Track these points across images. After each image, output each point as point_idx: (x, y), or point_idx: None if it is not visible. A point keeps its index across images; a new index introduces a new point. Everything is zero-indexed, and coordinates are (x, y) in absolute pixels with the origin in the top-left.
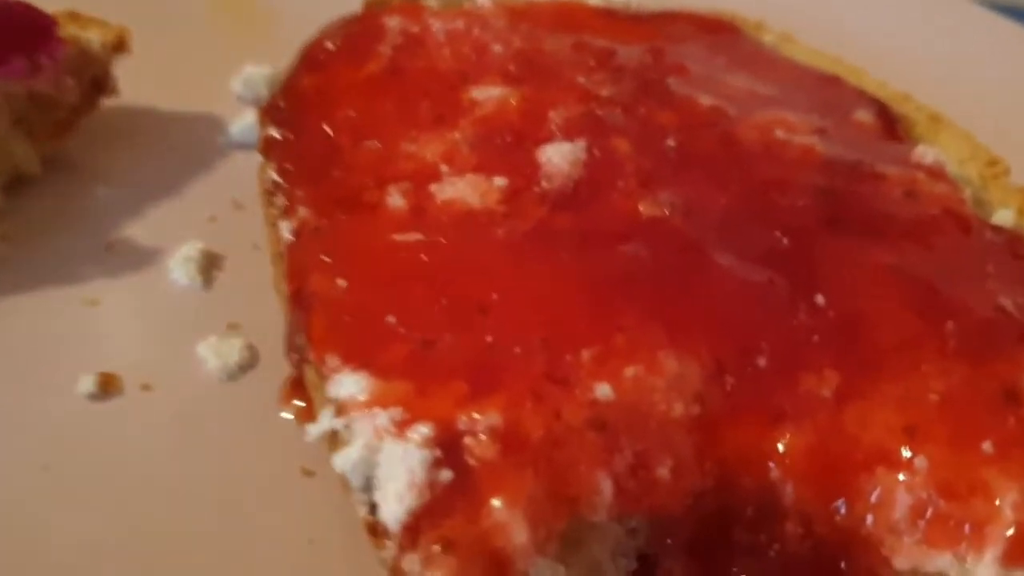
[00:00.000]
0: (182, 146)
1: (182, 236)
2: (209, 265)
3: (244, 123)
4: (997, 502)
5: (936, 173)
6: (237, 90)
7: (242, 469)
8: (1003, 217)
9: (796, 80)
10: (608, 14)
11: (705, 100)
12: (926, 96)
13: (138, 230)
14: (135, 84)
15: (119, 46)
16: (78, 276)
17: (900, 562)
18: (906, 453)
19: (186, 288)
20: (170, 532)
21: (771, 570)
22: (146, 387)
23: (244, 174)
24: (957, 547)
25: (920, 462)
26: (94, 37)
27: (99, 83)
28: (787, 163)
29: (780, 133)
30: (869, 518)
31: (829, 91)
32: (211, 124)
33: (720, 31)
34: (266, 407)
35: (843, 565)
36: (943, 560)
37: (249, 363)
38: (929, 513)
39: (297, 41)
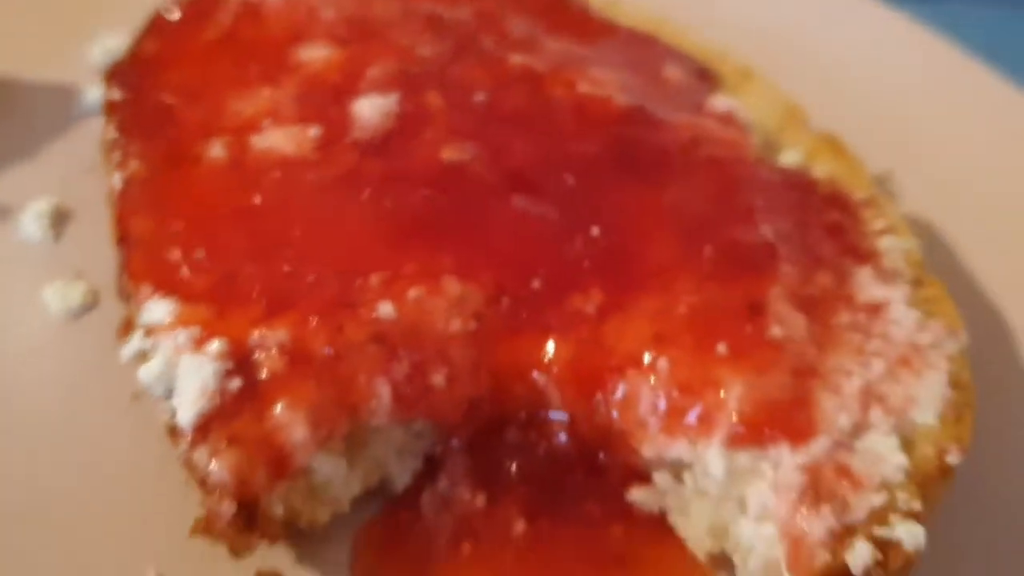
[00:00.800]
0: (35, 113)
1: (34, 193)
2: (60, 220)
3: (99, 92)
4: (724, 395)
5: (726, 120)
6: (96, 58)
7: (75, 394)
8: (790, 157)
9: (612, 40)
10: None
11: (516, 59)
12: (746, 53)
13: None
14: None
15: None
16: None
17: (646, 450)
18: (651, 357)
19: (37, 241)
20: (13, 452)
21: (540, 464)
22: None
23: (98, 140)
24: (691, 434)
25: (663, 364)
26: None
27: None
28: (584, 114)
29: (584, 87)
30: (619, 415)
31: (642, 49)
32: (65, 93)
33: None
34: (100, 344)
35: (601, 456)
36: (680, 447)
37: (91, 305)
38: (668, 407)
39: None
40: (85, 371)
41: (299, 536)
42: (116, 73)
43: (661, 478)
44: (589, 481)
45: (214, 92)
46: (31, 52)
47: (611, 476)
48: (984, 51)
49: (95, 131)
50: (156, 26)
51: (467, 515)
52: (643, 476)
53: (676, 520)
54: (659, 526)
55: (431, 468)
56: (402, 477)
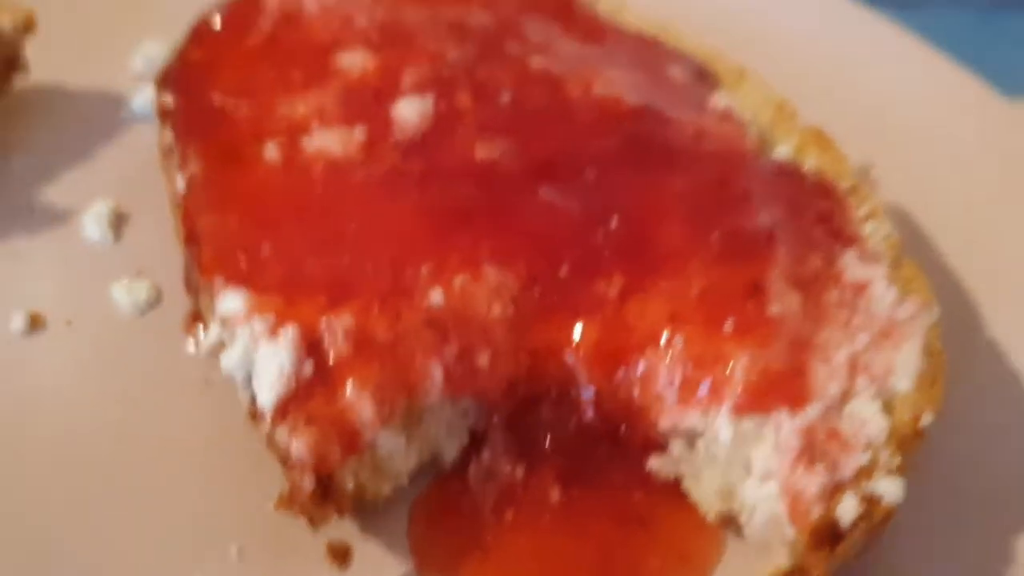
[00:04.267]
0: (89, 119)
1: (92, 197)
2: (118, 221)
3: (145, 98)
4: (731, 368)
5: (724, 117)
6: (138, 67)
7: (152, 384)
8: (782, 151)
9: (620, 43)
10: None
11: (536, 62)
12: (739, 53)
13: (52, 192)
14: (42, 62)
15: (28, 26)
16: (1, 232)
17: (663, 422)
18: (668, 335)
19: (98, 241)
20: (93, 437)
21: (570, 437)
22: (68, 323)
23: (147, 143)
24: (702, 405)
25: (677, 341)
26: (4, 20)
27: (10, 62)
28: (600, 112)
29: (598, 88)
30: (639, 390)
31: (647, 51)
32: (114, 99)
33: (559, 1)
34: (170, 336)
35: (623, 429)
36: (693, 417)
37: (156, 301)
38: (682, 381)
39: (190, 17)
40: (158, 360)
41: (363, 510)
42: (166, 79)
43: (676, 447)
44: (613, 451)
45: (262, 95)
46: (75, 61)
47: (632, 446)
48: (954, 51)
49: (143, 135)
50: (199, 32)
51: (508, 485)
52: (660, 446)
53: (689, 485)
54: (674, 491)
55: (475, 443)
56: (450, 452)
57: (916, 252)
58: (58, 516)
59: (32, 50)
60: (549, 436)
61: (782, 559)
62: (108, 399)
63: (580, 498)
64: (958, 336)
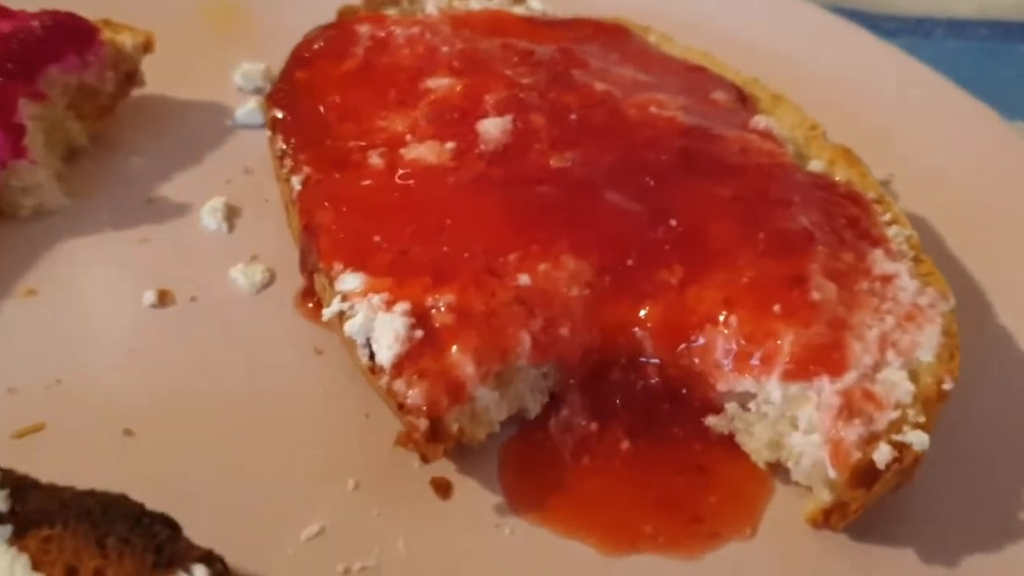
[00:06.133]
0: (199, 126)
1: (206, 193)
2: (231, 214)
3: (246, 109)
4: (780, 342)
5: (765, 135)
6: (238, 82)
7: (267, 353)
8: (815, 166)
9: (670, 70)
10: (529, 21)
11: (599, 86)
12: (774, 80)
13: (170, 190)
14: (157, 77)
15: (146, 47)
16: (129, 223)
17: (721, 386)
18: (724, 316)
19: (214, 232)
20: (213, 403)
21: (637, 397)
22: (193, 299)
23: (250, 147)
24: (755, 373)
25: (732, 320)
26: (127, 39)
27: (131, 76)
28: (656, 129)
29: (653, 109)
30: (699, 360)
31: (694, 77)
32: (220, 110)
33: (614, 33)
34: (283, 311)
35: (684, 391)
36: (747, 382)
37: (269, 282)
38: (737, 353)
39: (279, 44)
40: (275, 332)
41: (461, 453)
42: (275, 95)
43: (731, 407)
44: (675, 410)
45: (362, 112)
46: (184, 77)
47: (691, 406)
48: (957, 76)
49: (247, 142)
50: (300, 56)
51: (584, 436)
52: (716, 406)
53: (741, 439)
54: (728, 444)
55: (555, 401)
56: (534, 407)
57: (930, 253)
58: (197, 458)
59: (148, 66)
60: (618, 397)
61: (825, 497)
62: (232, 362)
63: (646, 448)
64: (970, 322)
